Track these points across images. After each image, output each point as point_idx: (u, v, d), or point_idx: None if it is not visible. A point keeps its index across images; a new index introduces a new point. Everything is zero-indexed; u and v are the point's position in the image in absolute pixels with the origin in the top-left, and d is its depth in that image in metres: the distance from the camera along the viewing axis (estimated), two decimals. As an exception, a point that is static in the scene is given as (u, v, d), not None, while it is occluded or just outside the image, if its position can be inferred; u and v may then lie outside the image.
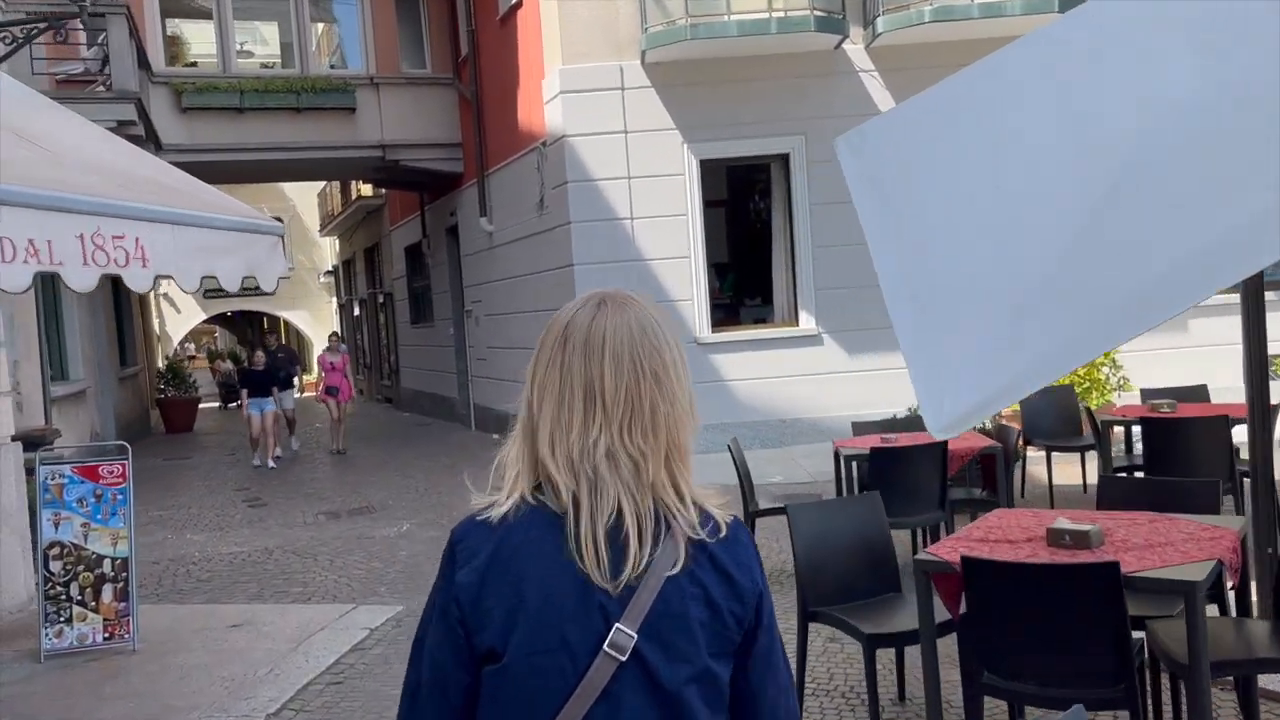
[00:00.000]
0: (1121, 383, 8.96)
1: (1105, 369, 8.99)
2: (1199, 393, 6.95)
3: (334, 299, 29.98)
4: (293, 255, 31.07)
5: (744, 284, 11.52)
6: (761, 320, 11.44)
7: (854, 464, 5.71)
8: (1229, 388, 10.72)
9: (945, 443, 5.30)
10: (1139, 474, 6.14)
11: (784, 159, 10.97)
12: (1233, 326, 10.81)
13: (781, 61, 10.70)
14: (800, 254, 10.91)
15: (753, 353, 10.88)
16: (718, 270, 11.09)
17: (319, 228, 27.90)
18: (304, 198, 29.63)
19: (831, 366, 10.65)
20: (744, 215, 11.40)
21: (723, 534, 1.30)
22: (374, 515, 9.39)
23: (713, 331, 10.89)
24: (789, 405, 10.87)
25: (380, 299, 22.31)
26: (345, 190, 22.71)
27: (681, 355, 1.36)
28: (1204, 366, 10.87)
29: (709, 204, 11.01)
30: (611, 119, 10.73)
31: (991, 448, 5.41)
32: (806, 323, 10.89)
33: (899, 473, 5.27)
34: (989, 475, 5.71)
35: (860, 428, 6.45)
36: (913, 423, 6.62)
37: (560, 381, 1.31)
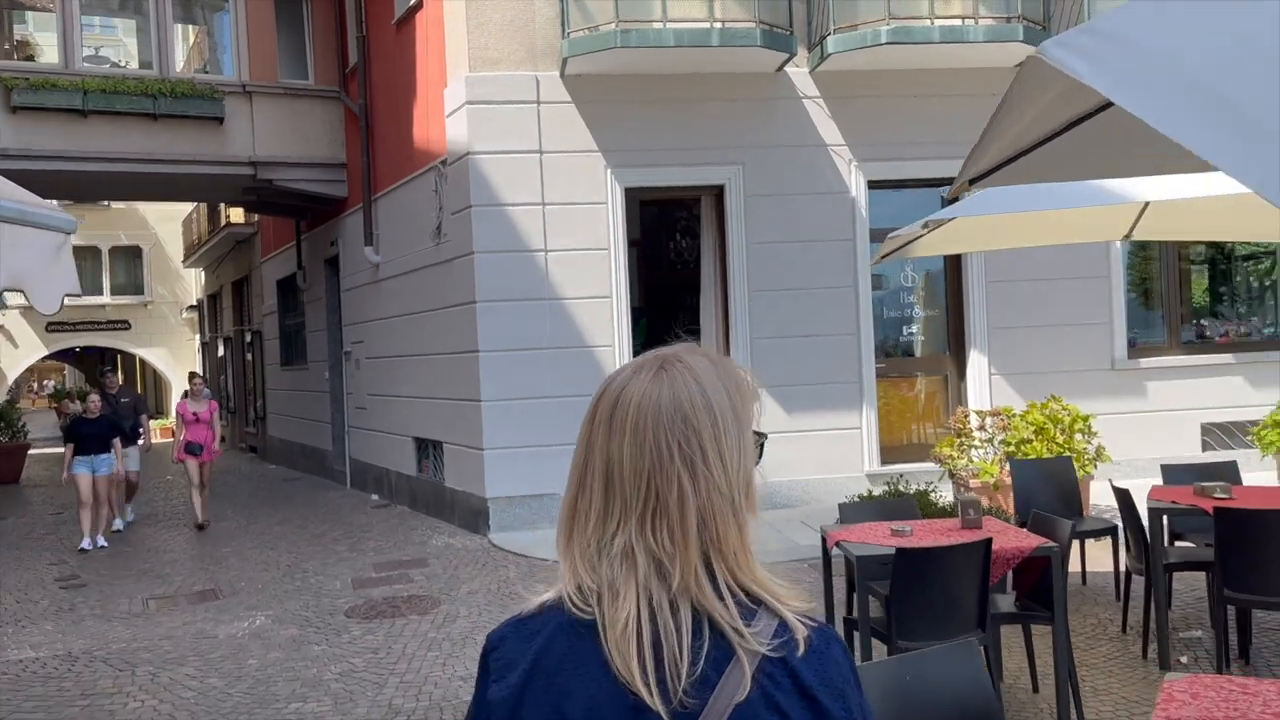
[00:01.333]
0: (1099, 452, 7.94)
1: (1079, 435, 7.96)
2: (1227, 471, 5.89)
3: (197, 336, 27.43)
4: (153, 287, 28.43)
5: (671, 330, 10.15)
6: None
7: (849, 563, 4.38)
8: (1190, 457, 10.03)
9: (988, 541, 4.00)
10: (1201, 569, 5.02)
11: (718, 191, 9.74)
12: (1186, 390, 10.03)
13: (719, 82, 9.51)
14: (734, 299, 9.65)
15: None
16: (642, 314, 9.72)
17: (183, 258, 25.46)
18: (167, 225, 27.16)
19: (771, 425, 9.29)
20: (672, 253, 10.11)
21: (803, 647, 1.07)
22: (220, 603, 7.57)
23: (635, 383, 9.47)
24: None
25: (248, 337, 20.16)
26: (213, 216, 20.58)
27: (736, 432, 1.11)
28: (1158, 435, 10.01)
29: (634, 239, 9.65)
30: (524, 136, 9.32)
31: (1046, 548, 4.13)
32: (740, 376, 9.59)
33: (925, 582, 3.94)
34: (1019, 579, 4.43)
35: (854, 512, 5.10)
36: (900, 507, 5.33)
37: (584, 461, 1.13)
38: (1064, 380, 9.70)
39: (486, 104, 9.30)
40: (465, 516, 9.81)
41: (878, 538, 4.42)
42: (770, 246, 9.65)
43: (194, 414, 11.07)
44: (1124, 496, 5.18)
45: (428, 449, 11.02)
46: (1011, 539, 4.20)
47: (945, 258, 10.03)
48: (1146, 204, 5.50)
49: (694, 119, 9.53)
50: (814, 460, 9.60)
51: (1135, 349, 10.15)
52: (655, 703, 1.03)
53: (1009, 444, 7.82)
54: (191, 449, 10.97)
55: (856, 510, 5.13)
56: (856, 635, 4.22)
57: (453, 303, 9.84)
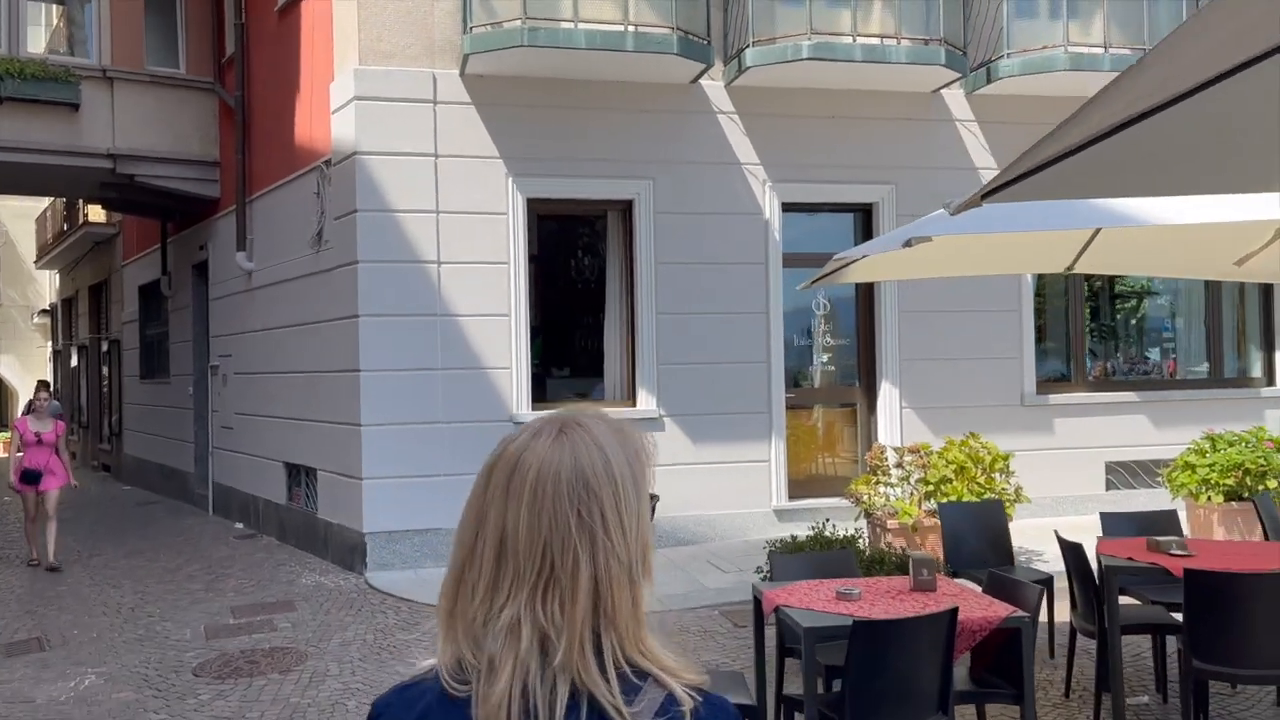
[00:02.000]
0: (1018, 493, 7.62)
1: (998, 475, 7.63)
2: (1166, 522, 5.56)
3: (49, 343, 25.36)
4: (1, 290, 26.22)
5: (572, 353, 9.53)
6: (590, 397, 9.45)
7: (785, 628, 3.80)
8: (1094, 496, 9.91)
9: (954, 612, 3.47)
10: (1158, 632, 4.63)
11: (626, 207, 9.16)
12: (1091, 428, 9.89)
13: (630, 91, 8.95)
14: (641, 320, 9.06)
15: (579, 437, 8.82)
16: (538, 335, 9.05)
17: (35, 258, 23.48)
18: (19, 223, 25.05)
19: (675, 456, 8.79)
20: (573, 271, 9.47)
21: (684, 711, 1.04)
22: (44, 656, 6.52)
23: (533, 409, 8.78)
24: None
25: (105, 346, 18.57)
26: (70, 214, 18.94)
27: (636, 498, 1.09)
28: (1063, 473, 9.86)
29: (532, 254, 8.98)
30: (419, 138, 8.56)
31: (1017, 618, 3.62)
32: (645, 402, 9.00)
33: (883, 658, 3.38)
34: (979, 653, 3.93)
35: (786, 565, 4.52)
36: (835, 561, 4.79)
37: (475, 531, 1.09)
38: (975, 415, 9.43)
39: (377, 100, 8.50)
40: (339, 552, 8.90)
41: (823, 602, 3.85)
42: (679, 267, 9.11)
43: (36, 434, 9.44)
44: (1074, 551, 4.76)
45: (299, 476, 10.05)
46: (977, 607, 3.69)
47: (857, 285, 9.67)
48: (1096, 231, 5.14)
49: (603, 129, 8.93)
50: (720, 494, 9.06)
51: (1043, 385, 9.98)
52: None
53: (928, 483, 7.43)
54: (28, 477, 9.35)
55: (789, 563, 4.55)
56: (798, 716, 3.63)
57: (332, 316, 8.96)
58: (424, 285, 8.54)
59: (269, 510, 10.62)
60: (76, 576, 8.97)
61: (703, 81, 9.10)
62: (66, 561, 9.58)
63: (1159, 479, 10.03)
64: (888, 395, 9.54)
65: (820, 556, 4.83)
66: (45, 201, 21.88)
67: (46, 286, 25.85)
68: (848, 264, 5.58)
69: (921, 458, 7.56)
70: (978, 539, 6.07)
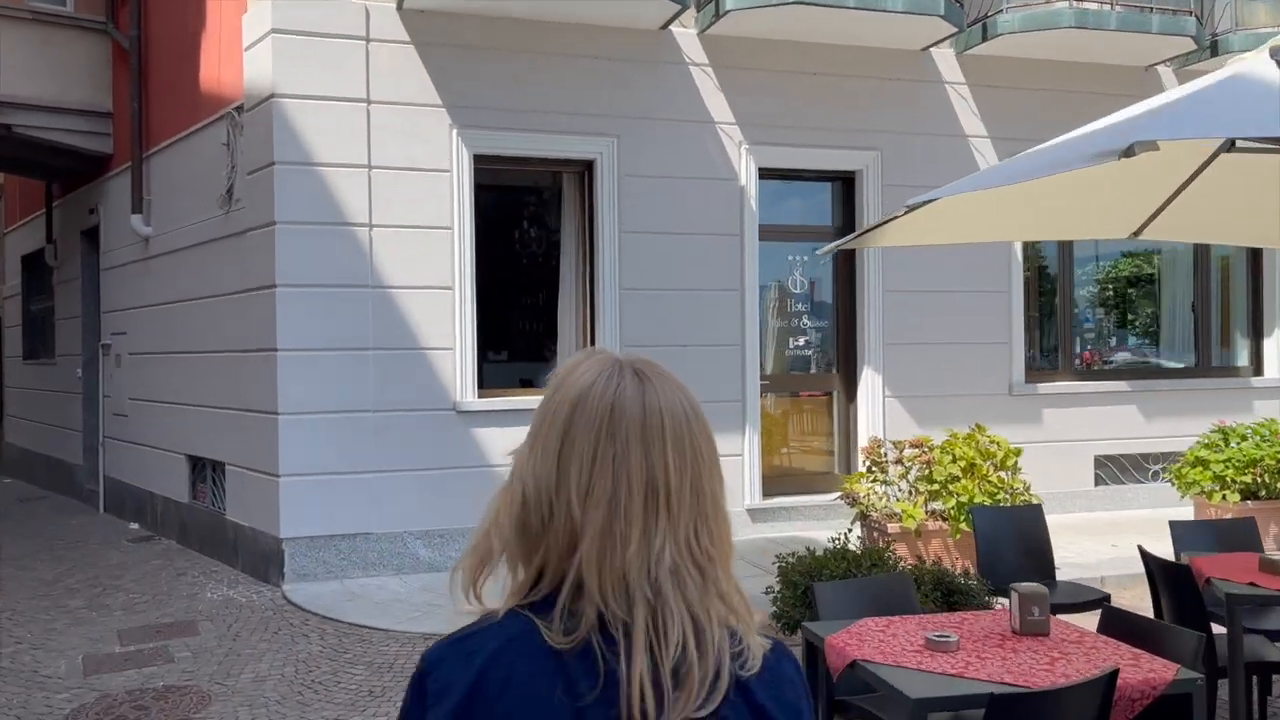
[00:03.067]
0: (1028, 491, 6.83)
1: (1005, 474, 6.83)
2: (1246, 533, 4.78)
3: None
4: None
5: (519, 334, 8.44)
6: (540, 385, 8.39)
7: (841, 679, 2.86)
8: (1082, 492, 9.21)
9: (1113, 675, 2.55)
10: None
11: (586, 168, 8.10)
12: (1080, 419, 9.20)
13: (594, 35, 7.88)
14: (602, 298, 8.02)
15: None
16: (486, 313, 7.93)
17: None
18: (-109, 187, 22.72)
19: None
20: (517, 242, 8.38)
21: (757, 664, 1.04)
22: (-127, 702, 5.22)
23: (479, 396, 7.69)
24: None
25: (-16, 323, 16.74)
26: (-56, 176, 16.99)
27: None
28: (1052, 466, 9.17)
29: (482, 220, 7.87)
30: (348, 80, 7.36)
31: (1187, 680, 2.71)
32: (606, 390, 7.97)
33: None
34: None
35: (837, 598, 3.54)
36: (891, 589, 3.85)
37: (614, 480, 1.03)
38: (961, 405, 8.65)
39: (299, 35, 7.28)
40: (252, 560, 7.69)
41: (914, 653, 2.89)
42: (646, 237, 8.09)
43: None
44: (1172, 571, 3.90)
45: (204, 471, 8.78)
46: (1134, 667, 2.77)
47: (837, 261, 8.80)
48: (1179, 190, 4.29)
49: (563, 78, 7.86)
50: (688, 493, 8.09)
51: (1032, 373, 9.25)
52: None
53: (934, 482, 6.58)
54: None
55: (840, 596, 3.58)
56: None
57: (245, 287, 7.72)
58: (354, 252, 7.37)
59: (169, 509, 9.30)
60: (-68, 590, 7.58)
61: (674, 28, 8.09)
62: (-77, 571, 8.16)
63: (1150, 474, 9.41)
64: (869, 382, 8.69)
65: (874, 583, 3.87)
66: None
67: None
68: (875, 226, 4.65)
69: (925, 453, 6.70)
70: (1014, 549, 5.22)
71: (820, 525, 8.35)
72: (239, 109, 7.82)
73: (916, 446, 6.78)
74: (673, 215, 8.14)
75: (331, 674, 5.43)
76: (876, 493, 6.79)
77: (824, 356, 8.93)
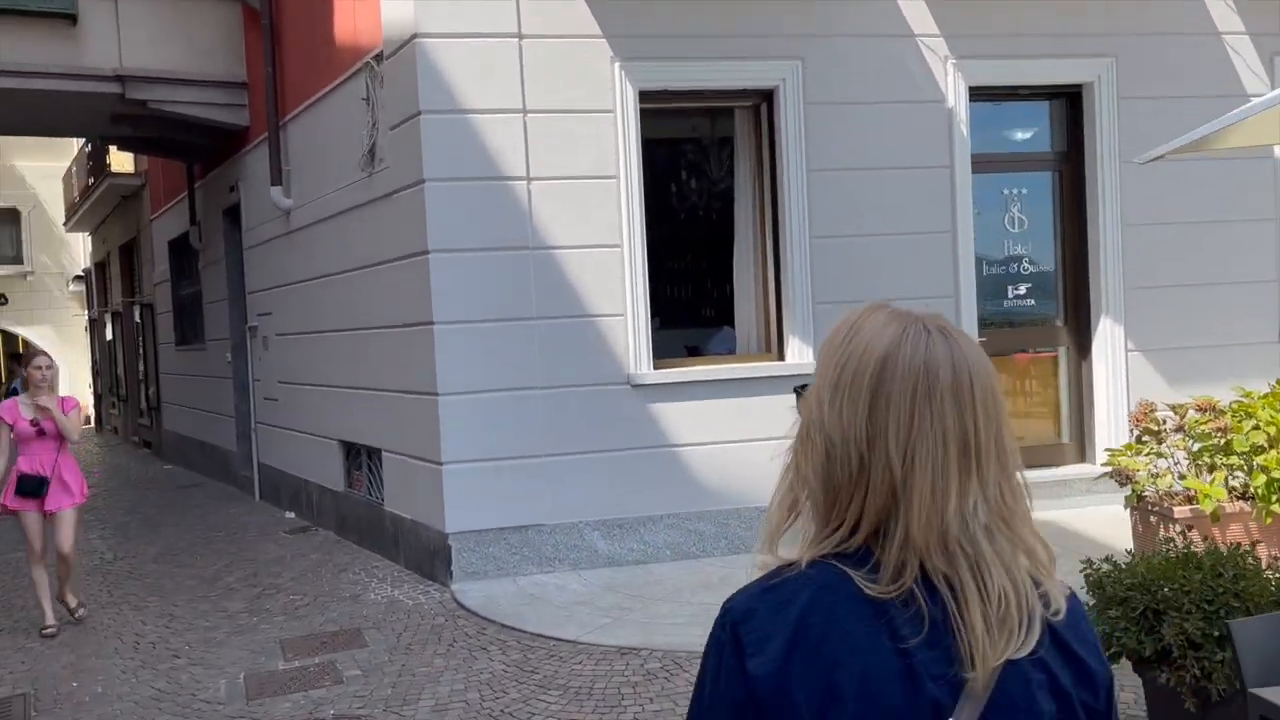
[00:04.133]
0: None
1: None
2: None
3: (86, 311, 23.87)
4: (33, 256, 24.77)
5: (689, 297, 7.45)
6: (709, 352, 7.41)
7: None
8: None
9: None
10: None
11: (765, 99, 7.02)
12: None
13: (769, -58, 6.77)
14: (789, 249, 6.95)
15: (715, 401, 6.80)
16: (658, 272, 6.96)
17: (64, 220, 21.85)
18: (48, 184, 23.45)
19: (840, 425, 6.69)
20: (689, 188, 7.38)
21: (1063, 609, 1.08)
22: (24, 734, 4.69)
23: (655, 368, 6.76)
24: (768, 480, 6.86)
25: (138, 312, 16.88)
26: (95, 166, 17.16)
27: None
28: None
29: (651, 166, 6.89)
30: (498, 12, 6.47)
31: None
32: (798, 355, 6.92)
33: None
34: None
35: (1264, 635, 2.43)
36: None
37: (934, 440, 1.04)
38: (1218, 358, 7.25)
39: (441, -35, 6.42)
40: (416, 556, 7.00)
41: None
42: (839, 176, 6.97)
43: (33, 423, 6.21)
44: None
45: (359, 457, 8.16)
46: None
47: (1060, 194, 7.48)
48: None
49: (735, -6, 6.77)
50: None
51: (1303, 315, 7.72)
52: (944, 670, 1.01)
53: (1231, 453, 5.29)
54: (27, 486, 6.13)
55: (1273, 636, 2.45)
56: None
57: (394, 255, 6.97)
58: (512, 209, 6.51)
59: (324, 498, 8.76)
60: (92, 589, 7.18)
61: (864, -72, 6.89)
62: (87, 566, 7.78)
63: None
64: (1108, 335, 7.36)
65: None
66: (70, 156, 20.20)
67: (80, 251, 24.31)
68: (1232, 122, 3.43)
69: (1217, 418, 5.41)
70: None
71: (1052, 505, 7.13)
72: (378, 58, 7.04)
73: (1204, 410, 5.49)
74: (870, 148, 6.98)
75: (522, 701, 4.61)
76: (1154, 468, 5.54)
77: (1046, 307, 7.64)
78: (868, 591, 1.02)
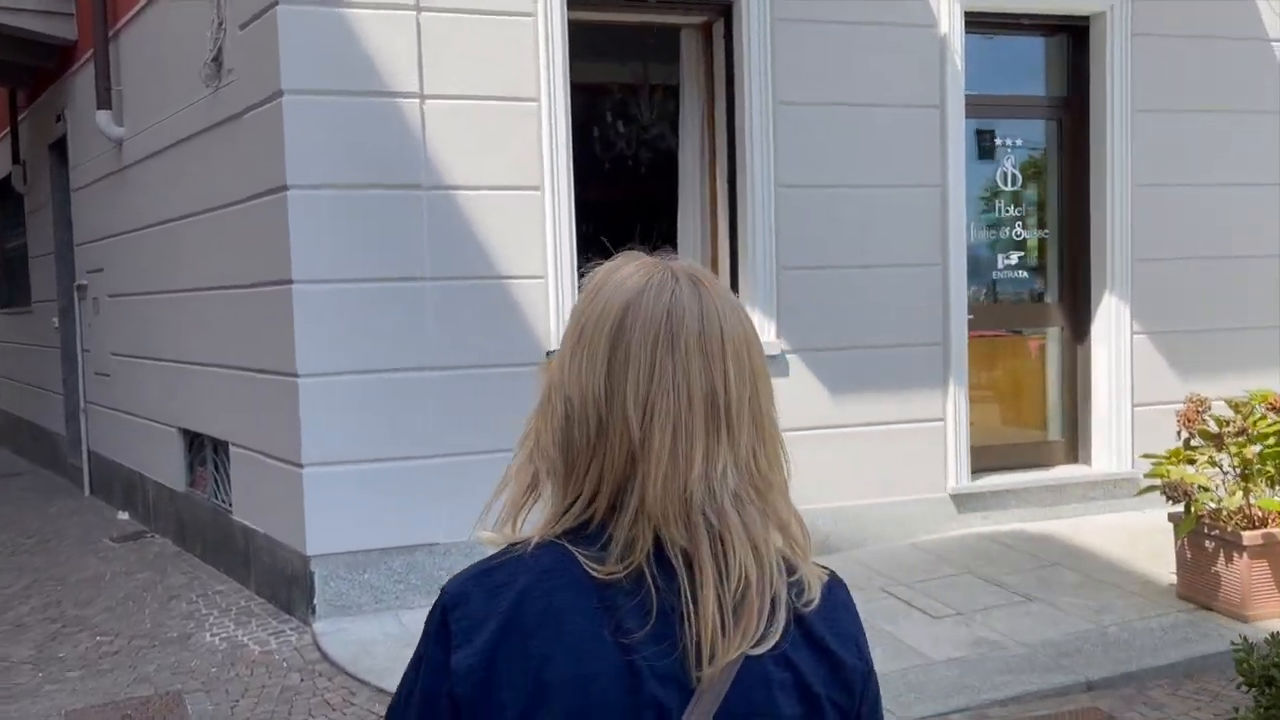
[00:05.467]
0: None
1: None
2: None
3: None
4: None
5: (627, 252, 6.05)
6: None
7: None
8: None
9: None
10: None
11: (721, 14, 5.65)
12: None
13: None
14: (748, 200, 5.62)
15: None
16: (586, 223, 5.54)
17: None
18: None
19: (803, 415, 5.44)
20: (623, 123, 5.98)
21: (816, 597, 0.96)
22: None
23: (583, 344, 5.34)
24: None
25: (-39, 268, 14.54)
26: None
27: None
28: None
29: (577, 89, 5.45)
30: (383, -126, 4.92)
31: None
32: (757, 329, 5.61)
33: None
34: None
35: None
36: None
37: (675, 395, 0.93)
38: (1235, 343, 6.27)
39: None
40: (269, 580, 5.47)
41: None
42: (807, 113, 5.66)
43: None
44: None
45: (203, 450, 6.54)
46: None
47: (1060, 146, 6.36)
48: None
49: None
50: (870, 472, 5.78)
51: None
52: (676, 670, 0.90)
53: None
54: None
55: None
56: None
57: (243, 196, 5.38)
58: (399, 135, 4.99)
59: (162, 498, 7.10)
60: None
61: None
62: None
63: None
64: (1111, 315, 6.27)
65: None
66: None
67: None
68: None
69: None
70: None
71: (1041, 515, 6.08)
72: (225, -64, 5.40)
73: (1277, 408, 4.39)
74: (848, 79, 5.69)
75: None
76: (1210, 480, 4.43)
77: (1039, 279, 6.52)
78: (592, 573, 0.91)
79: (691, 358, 0.93)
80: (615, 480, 0.93)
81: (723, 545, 0.91)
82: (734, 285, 5.70)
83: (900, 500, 5.86)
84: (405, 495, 5.06)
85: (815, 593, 0.96)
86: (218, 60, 5.57)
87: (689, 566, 0.90)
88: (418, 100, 5.01)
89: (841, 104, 5.67)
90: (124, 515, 7.84)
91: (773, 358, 5.57)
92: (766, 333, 5.57)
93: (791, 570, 0.95)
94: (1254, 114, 6.29)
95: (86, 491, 8.83)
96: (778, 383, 5.65)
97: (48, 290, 9.85)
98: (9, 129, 10.48)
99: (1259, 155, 6.39)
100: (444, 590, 0.97)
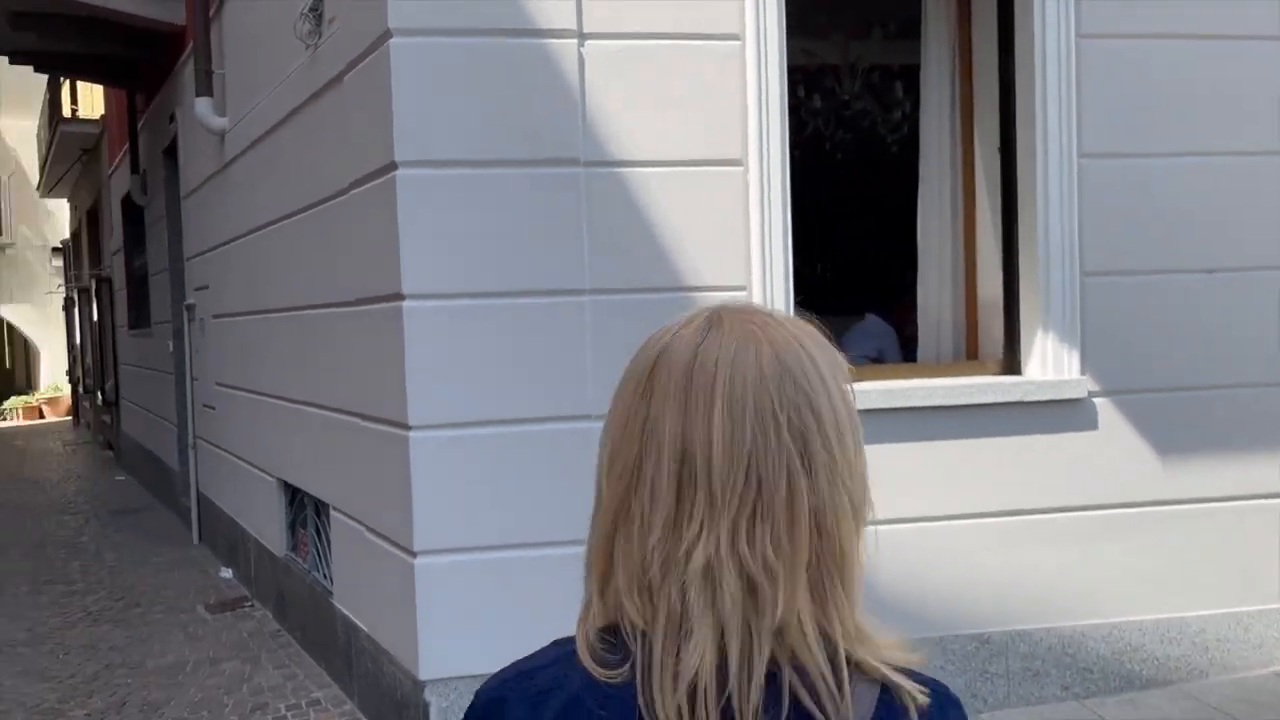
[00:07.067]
0: None
1: None
2: None
3: (63, 288, 21.28)
4: (13, 227, 22.21)
5: (845, 260, 4.47)
6: (873, 354, 4.44)
7: None
8: None
9: None
10: None
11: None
12: None
13: None
14: (1040, 179, 3.91)
15: (912, 444, 3.81)
16: (812, 223, 3.96)
17: (38, 185, 19.20)
18: (27, 144, 20.84)
19: (1118, 490, 3.70)
20: (858, 84, 4.40)
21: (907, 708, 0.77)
22: None
23: (803, 384, 3.76)
24: (1011, 588, 3.84)
25: (96, 288, 14.15)
26: (53, 108, 14.42)
27: (849, 408, 0.80)
28: None
29: (799, 47, 3.89)
30: None
31: None
32: (1050, 363, 3.89)
33: None
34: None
35: None
36: None
37: (640, 446, 0.78)
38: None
39: None
40: (373, 697, 4.08)
41: None
42: (1126, 47, 3.93)
43: None
44: None
45: (303, 510, 5.25)
46: None
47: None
48: None
49: None
50: (1213, 572, 3.97)
51: None
52: None
53: None
54: None
55: None
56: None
57: (344, 183, 4.04)
58: (548, 91, 3.54)
59: (263, 559, 5.88)
60: None
61: None
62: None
63: None
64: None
65: None
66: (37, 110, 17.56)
67: (64, 220, 21.73)
68: None
69: None
70: None
71: None
72: None
73: None
74: (1177, 8, 3.94)
75: None
76: None
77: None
78: (594, 675, 0.78)
79: (666, 405, 0.77)
80: (603, 552, 0.80)
81: (680, 630, 0.75)
82: (1009, 300, 4.02)
83: (1258, 610, 4.03)
84: (556, 593, 3.58)
85: (912, 714, 0.76)
86: (316, 9, 4.27)
87: (646, 651, 0.76)
88: (575, 41, 3.55)
89: (1181, 36, 3.92)
90: (227, 573, 6.71)
91: (1073, 402, 3.86)
92: (1065, 367, 3.85)
93: (881, 688, 0.76)
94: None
95: (195, 538, 7.78)
96: (1076, 441, 3.94)
97: (164, 310, 8.97)
98: (128, 144, 9.70)
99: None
100: (476, 695, 0.84)
